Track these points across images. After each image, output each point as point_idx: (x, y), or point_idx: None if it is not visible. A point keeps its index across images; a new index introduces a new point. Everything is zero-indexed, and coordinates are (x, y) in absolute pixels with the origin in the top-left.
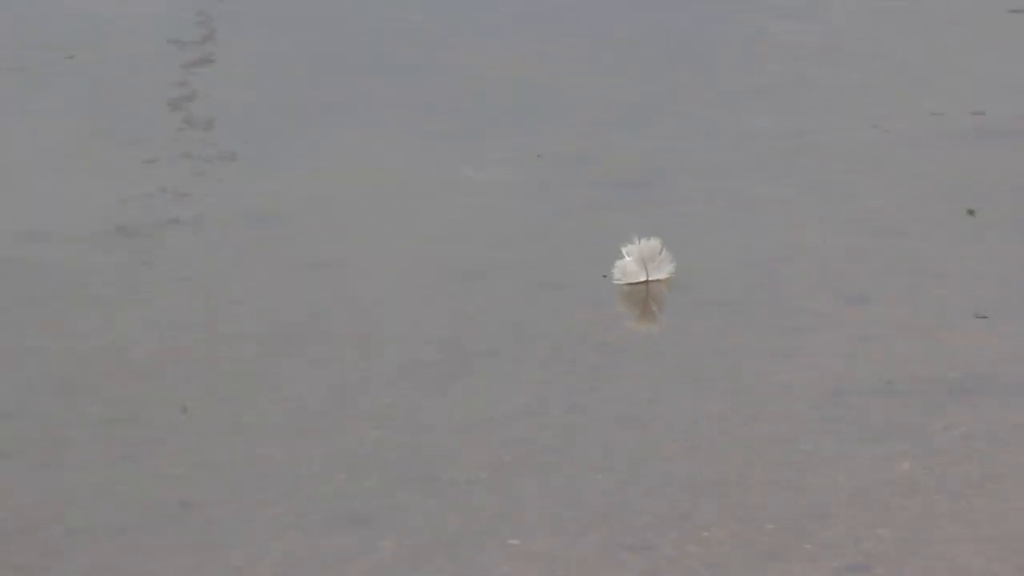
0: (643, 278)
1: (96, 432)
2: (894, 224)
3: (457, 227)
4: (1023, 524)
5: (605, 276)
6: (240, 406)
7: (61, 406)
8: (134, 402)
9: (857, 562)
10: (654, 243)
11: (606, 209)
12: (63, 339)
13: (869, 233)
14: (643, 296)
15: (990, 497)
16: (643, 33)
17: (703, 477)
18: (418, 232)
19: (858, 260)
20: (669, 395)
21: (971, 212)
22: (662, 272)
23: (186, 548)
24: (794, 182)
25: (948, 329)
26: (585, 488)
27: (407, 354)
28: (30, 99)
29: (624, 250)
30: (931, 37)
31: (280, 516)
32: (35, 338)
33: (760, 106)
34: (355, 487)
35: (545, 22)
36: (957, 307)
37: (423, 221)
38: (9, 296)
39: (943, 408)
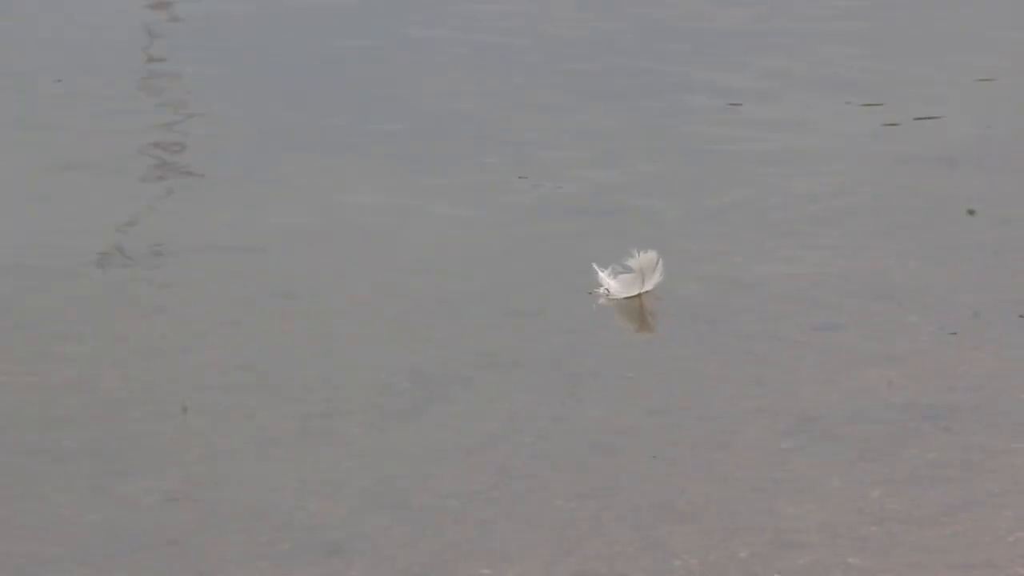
0: (638, 290)
1: (66, 462)
2: (864, 251)
3: (427, 257)
4: (994, 552)
5: (591, 293)
6: (211, 435)
7: (31, 437)
8: (104, 432)
9: None
10: (651, 255)
11: (572, 238)
12: (34, 370)
13: (839, 260)
14: (638, 309)
15: (961, 525)
16: (611, 68)
17: (676, 504)
18: (388, 262)
19: (829, 287)
20: (642, 421)
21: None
22: (652, 283)
23: None
24: (759, 214)
25: (920, 355)
26: (558, 515)
27: (378, 382)
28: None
29: (628, 264)
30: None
31: (252, 544)
32: (5, 370)
33: (728, 141)
34: (327, 514)
35: (513, 55)
36: (928, 333)
37: (393, 252)
38: None
39: (914, 434)
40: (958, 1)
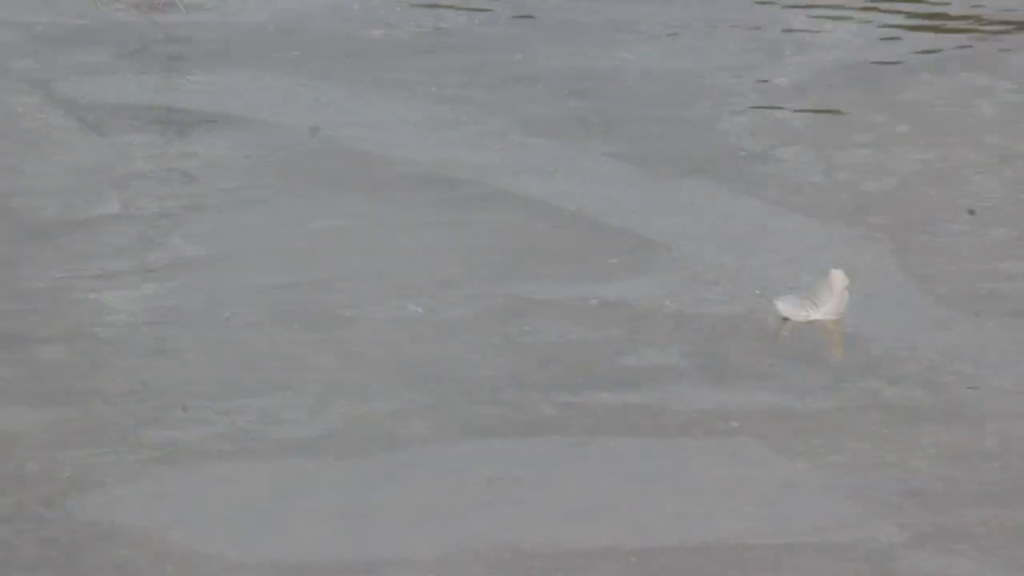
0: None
1: (32, 521)
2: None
3: (403, 322)
4: None
5: (786, 322)
6: (184, 500)
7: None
8: (72, 486)
9: None
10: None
11: (553, 295)
12: (11, 410)
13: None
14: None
15: None
16: (597, 117)
17: None
18: (361, 332)
19: (803, 352)
20: (619, 492)
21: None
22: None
23: None
24: (745, 266)
25: (897, 427)
26: None
27: (354, 446)
28: None
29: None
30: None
31: None
32: None
33: (717, 194)
34: None
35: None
36: (905, 404)
37: (365, 324)
38: None
39: (895, 510)
40: None
